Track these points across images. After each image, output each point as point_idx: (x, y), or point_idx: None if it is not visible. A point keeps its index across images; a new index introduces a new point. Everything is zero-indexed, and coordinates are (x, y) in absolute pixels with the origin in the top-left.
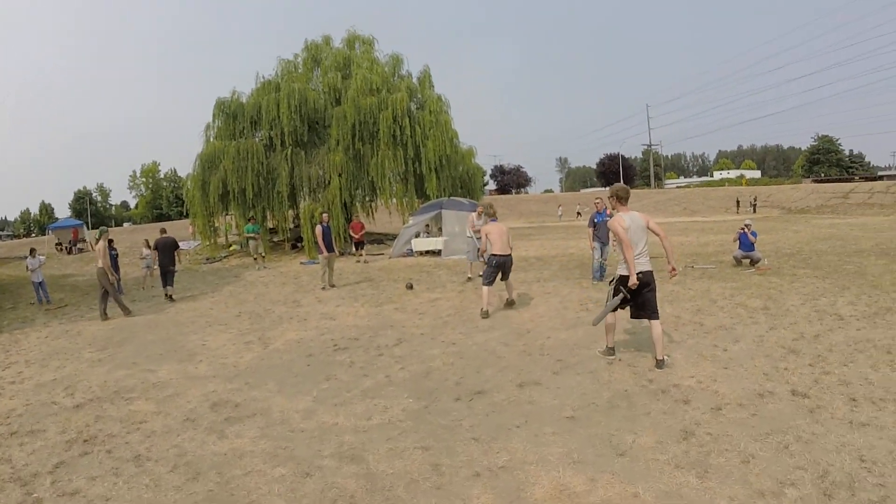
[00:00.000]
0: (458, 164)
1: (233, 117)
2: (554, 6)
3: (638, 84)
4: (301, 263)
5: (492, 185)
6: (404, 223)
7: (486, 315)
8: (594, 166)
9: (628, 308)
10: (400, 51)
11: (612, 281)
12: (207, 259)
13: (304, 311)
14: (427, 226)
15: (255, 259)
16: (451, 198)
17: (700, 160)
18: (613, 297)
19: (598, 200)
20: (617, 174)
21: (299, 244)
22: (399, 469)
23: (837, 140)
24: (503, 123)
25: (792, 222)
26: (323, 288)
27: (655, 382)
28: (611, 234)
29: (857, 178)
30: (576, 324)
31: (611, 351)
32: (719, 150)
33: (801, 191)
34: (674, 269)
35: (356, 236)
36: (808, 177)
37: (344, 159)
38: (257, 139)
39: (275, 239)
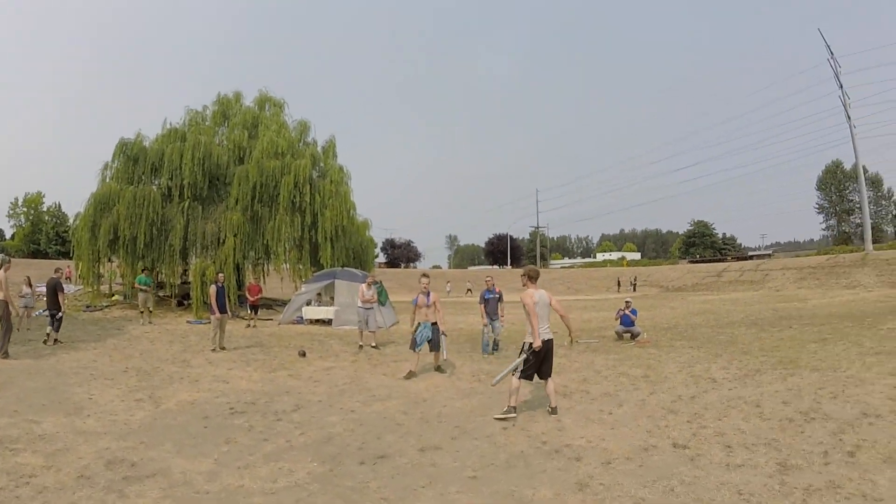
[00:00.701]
0: (353, 234)
1: (133, 160)
2: (454, 85)
3: (527, 169)
4: (188, 322)
5: (382, 258)
6: (296, 290)
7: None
8: (483, 245)
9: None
10: (308, 117)
11: (521, 348)
12: (88, 307)
13: (195, 372)
14: (319, 294)
15: (142, 312)
16: (345, 268)
17: (584, 242)
18: (519, 357)
19: (488, 279)
20: (505, 253)
21: (186, 301)
22: None
23: (711, 224)
24: (395, 198)
25: (669, 299)
26: (213, 349)
27: (549, 444)
28: (500, 310)
29: (729, 258)
30: (470, 393)
31: (512, 409)
32: (602, 234)
33: (678, 271)
34: (571, 337)
35: (252, 299)
36: (685, 258)
37: (241, 219)
38: (155, 187)
39: (160, 294)
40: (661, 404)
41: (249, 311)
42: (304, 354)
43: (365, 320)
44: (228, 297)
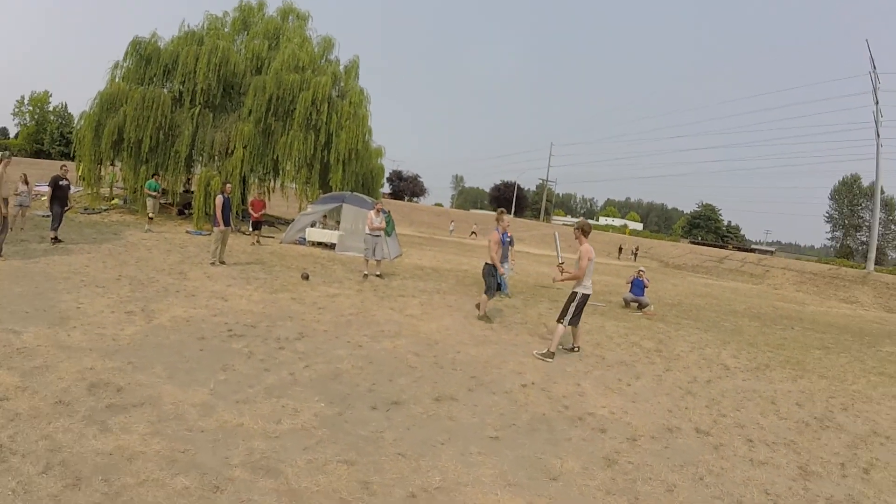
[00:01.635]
0: (365, 160)
1: (146, 61)
2: (478, 35)
3: (545, 120)
4: (187, 232)
5: (386, 189)
6: (300, 209)
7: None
8: (488, 190)
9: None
10: (333, 33)
11: (575, 297)
12: (86, 209)
13: (191, 286)
14: (325, 217)
15: (150, 219)
16: (354, 193)
17: (588, 203)
18: (573, 305)
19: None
20: (510, 201)
21: (187, 211)
22: (324, 486)
23: (718, 210)
24: (406, 130)
25: (670, 276)
26: (212, 263)
27: (571, 409)
28: (510, 254)
29: (730, 246)
30: (483, 341)
31: (551, 355)
32: (608, 198)
33: (679, 249)
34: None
35: (255, 215)
36: (687, 238)
37: (253, 131)
38: (166, 90)
39: (162, 201)
40: (677, 383)
41: (252, 228)
42: (307, 278)
43: (372, 248)
44: (232, 209)
